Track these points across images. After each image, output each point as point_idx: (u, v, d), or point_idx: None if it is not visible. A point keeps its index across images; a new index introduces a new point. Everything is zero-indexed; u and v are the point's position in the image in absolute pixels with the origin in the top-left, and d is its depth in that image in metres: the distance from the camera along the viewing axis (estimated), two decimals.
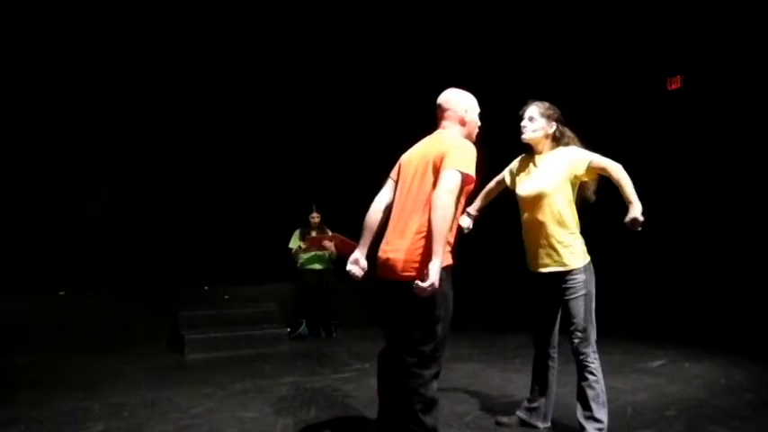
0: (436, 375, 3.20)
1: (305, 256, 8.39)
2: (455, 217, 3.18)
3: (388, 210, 3.52)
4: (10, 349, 6.74)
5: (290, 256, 8.46)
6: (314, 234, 8.39)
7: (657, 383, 5.33)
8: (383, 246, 3.36)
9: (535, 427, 4.09)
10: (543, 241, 3.83)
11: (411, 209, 3.26)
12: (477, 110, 3.54)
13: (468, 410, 4.58)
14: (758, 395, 4.88)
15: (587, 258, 3.81)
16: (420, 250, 3.15)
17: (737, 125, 7.70)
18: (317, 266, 8.39)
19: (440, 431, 3.23)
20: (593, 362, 3.72)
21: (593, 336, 3.75)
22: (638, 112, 8.56)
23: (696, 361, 6.14)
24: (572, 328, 3.77)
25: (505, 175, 4.21)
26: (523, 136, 3.96)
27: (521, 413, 4.16)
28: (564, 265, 3.78)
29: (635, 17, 8.04)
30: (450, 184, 3.06)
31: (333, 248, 8.29)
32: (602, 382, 3.73)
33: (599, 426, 3.68)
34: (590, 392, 3.70)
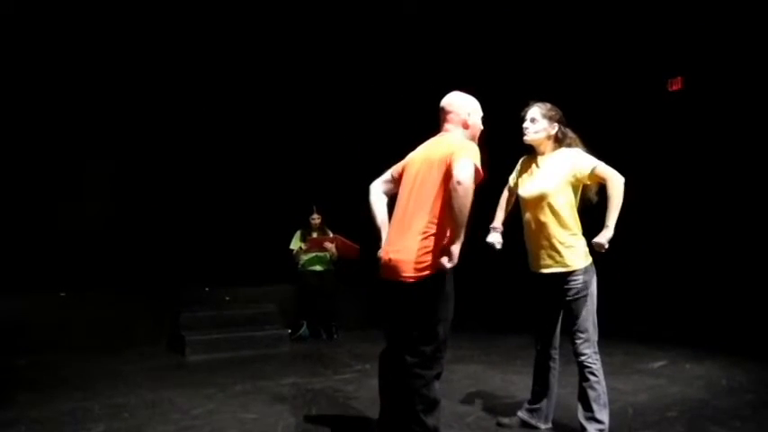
0: (438, 376, 3.21)
1: (306, 257, 8.39)
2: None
3: (387, 200, 3.55)
4: (10, 350, 6.73)
5: (291, 257, 8.45)
6: (315, 235, 8.38)
7: (658, 384, 5.33)
8: (385, 246, 3.37)
9: (536, 427, 4.08)
10: (545, 242, 3.83)
11: (414, 210, 3.27)
12: (481, 113, 3.55)
13: (470, 411, 4.58)
14: (759, 395, 4.89)
15: (589, 259, 3.81)
16: (423, 251, 3.16)
17: (738, 126, 7.70)
18: (318, 268, 8.39)
19: None
20: (595, 363, 3.72)
21: (594, 337, 3.75)
22: (638, 114, 8.56)
23: (697, 362, 6.14)
24: (573, 328, 3.77)
25: (511, 179, 4.20)
26: (525, 137, 3.96)
27: (522, 414, 4.16)
28: (565, 265, 3.78)
29: (635, 18, 8.03)
30: (467, 171, 3.06)
31: (334, 250, 8.29)
32: (603, 382, 3.73)
33: (600, 426, 3.68)
34: (591, 393, 3.70)
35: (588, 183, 3.83)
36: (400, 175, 3.53)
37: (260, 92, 9.51)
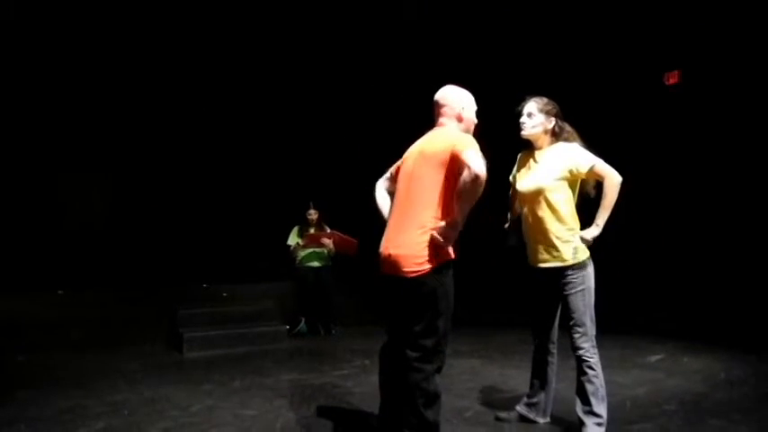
0: (438, 370, 3.22)
1: (303, 253, 8.38)
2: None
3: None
4: (9, 348, 6.73)
5: (289, 253, 8.45)
6: (312, 231, 8.38)
7: (656, 378, 5.34)
8: (384, 242, 3.37)
9: (535, 422, 4.09)
10: (542, 236, 3.83)
11: (412, 205, 3.28)
12: (475, 107, 3.55)
13: (468, 406, 4.58)
14: (757, 389, 4.90)
15: (587, 253, 3.81)
16: (422, 245, 3.17)
17: (736, 120, 7.70)
18: (316, 264, 8.38)
19: (440, 426, 3.23)
20: (593, 357, 3.73)
21: (592, 331, 3.76)
22: (635, 108, 8.56)
23: (695, 355, 6.15)
24: (571, 323, 3.77)
25: (512, 177, 4.19)
26: (523, 132, 3.96)
27: (520, 408, 4.17)
28: (563, 260, 3.78)
29: (632, 12, 8.03)
30: (481, 162, 3.07)
31: (331, 245, 8.28)
32: (601, 376, 3.74)
33: (598, 420, 3.68)
34: (589, 387, 3.70)
35: (585, 178, 3.83)
36: (397, 172, 3.54)
37: (257, 90, 9.50)
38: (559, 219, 3.79)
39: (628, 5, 8.00)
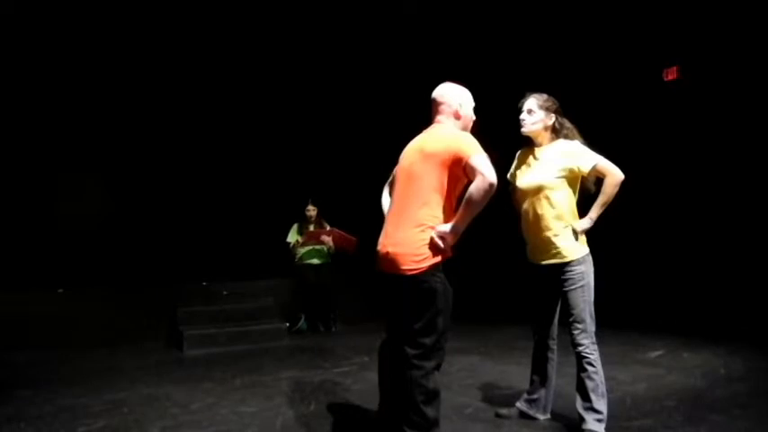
0: (438, 367, 3.22)
1: (303, 250, 8.39)
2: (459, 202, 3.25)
3: None
4: (9, 346, 6.74)
5: (289, 250, 8.45)
6: (312, 228, 8.38)
7: (656, 374, 5.34)
8: (382, 239, 3.37)
9: (535, 418, 4.09)
10: (542, 233, 3.83)
11: (410, 202, 3.27)
12: (472, 104, 3.55)
13: (468, 403, 4.58)
14: (757, 384, 4.90)
15: (586, 250, 3.81)
16: (421, 243, 3.17)
17: (734, 116, 7.69)
18: (316, 261, 8.39)
19: (440, 423, 3.23)
20: (593, 353, 3.73)
21: (591, 327, 3.76)
22: (634, 103, 8.55)
23: (695, 351, 6.15)
24: (571, 319, 3.77)
25: (510, 176, 4.18)
26: (523, 129, 3.96)
27: (521, 405, 4.17)
28: (562, 256, 3.78)
29: (631, 7, 8.02)
30: (491, 169, 3.10)
31: (330, 243, 8.29)
32: (601, 373, 3.74)
33: (598, 416, 3.69)
34: (589, 383, 3.70)
35: (586, 177, 3.83)
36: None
37: (255, 87, 9.49)
38: (559, 216, 3.79)
39: (627, 1, 7.98)
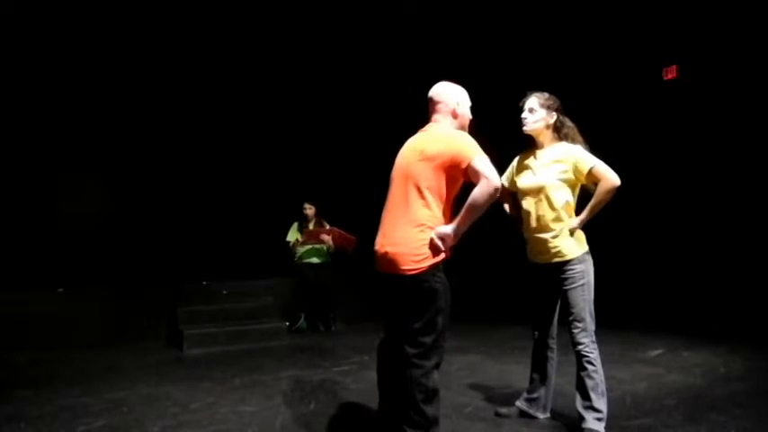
0: (437, 366, 3.22)
1: (302, 249, 8.39)
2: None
3: None
4: (9, 346, 6.74)
5: (288, 249, 8.45)
6: (311, 227, 8.37)
7: (656, 373, 5.34)
8: (379, 239, 3.36)
9: (535, 417, 4.10)
10: (542, 233, 3.84)
11: (408, 202, 3.26)
12: (469, 103, 3.54)
13: (468, 402, 4.58)
14: (757, 383, 4.90)
15: (585, 249, 3.82)
16: (420, 243, 3.17)
17: (734, 115, 7.69)
18: (315, 260, 8.39)
19: (439, 422, 3.23)
20: (592, 352, 3.73)
21: (591, 326, 3.76)
22: (633, 103, 8.55)
23: (695, 350, 6.16)
24: (571, 318, 3.77)
25: (505, 179, 4.17)
26: (525, 128, 3.97)
27: (520, 404, 4.17)
28: (562, 255, 3.79)
29: (630, 6, 8.02)
30: (493, 170, 3.12)
31: (330, 242, 8.28)
32: (601, 371, 3.74)
33: (598, 415, 3.69)
34: (589, 382, 3.71)
35: (585, 182, 3.84)
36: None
37: (254, 86, 9.49)
38: (559, 216, 3.80)
39: (626, 0, 7.99)
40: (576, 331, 3.75)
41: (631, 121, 8.46)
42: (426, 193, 3.23)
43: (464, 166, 3.16)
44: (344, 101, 9.74)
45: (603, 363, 3.80)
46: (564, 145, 3.91)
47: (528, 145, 4.07)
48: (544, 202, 3.83)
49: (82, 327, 7.33)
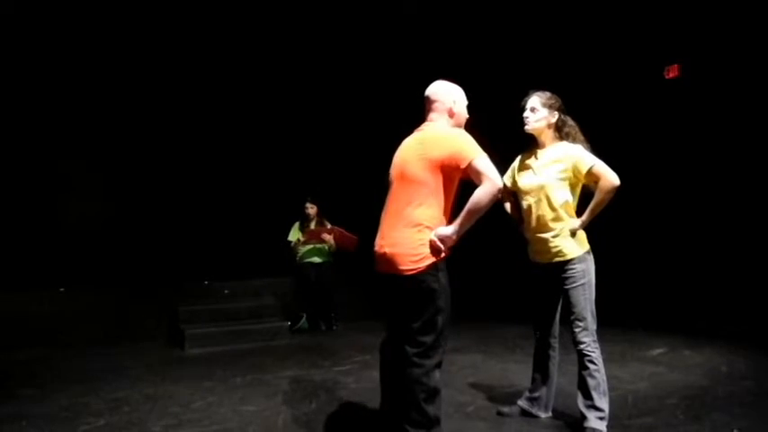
0: (439, 365, 3.22)
1: (304, 249, 8.38)
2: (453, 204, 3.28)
3: None
4: (10, 345, 6.76)
5: (290, 249, 8.45)
6: (313, 226, 8.37)
7: (658, 372, 5.34)
8: (378, 240, 3.36)
9: (536, 416, 4.09)
10: (542, 233, 3.84)
11: (406, 202, 3.26)
12: (465, 101, 3.54)
13: (470, 401, 4.58)
14: (759, 382, 4.89)
15: (586, 247, 3.82)
16: (419, 243, 3.17)
17: (735, 114, 7.69)
18: (317, 259, 8.38)
19: (441, 421, 3.23)
20: (594, 351, 3.73)
21: (593, 325, 3.75)
22: (635, 101, 8.55)
23: (696, 349, 6.15)
24: (572, 317, 3.77)
25: (506, 178, 4.17)
26: (526, 127, 3.97)
27: (522, 403, 4.17)
28: (563, 255, 3.79)
29: (632, 5, 8.01)
30: (494, 170, 3.12)
31: (332, 241, 8.28)
32: (602, 371, 3.73)
33: (600, 414, 3.68)
34: (591, 381, 3.70)
35: (585, 181, 3.84)
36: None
37: (255, 85, 9.49)
38: (560, 216, 3.80)
39: None
40: (577, 330, 3.75)
41: (633, 120, 8.47)
42: (425, 193, 3.22)
43: (464, 165, 3.15)
44: (345, 100, 9.75)
45: (605, 362, 3.79)
46: (565, 144, 3.90)
47: (529, 144, 4.07)
48: (544, 202, 3.83)
49: (83, 326, 7.35)
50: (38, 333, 7.08)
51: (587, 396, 3.71)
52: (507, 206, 4.26)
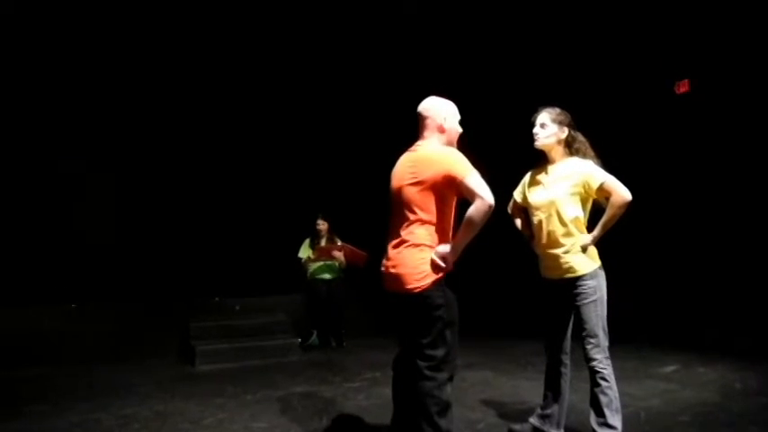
0: (450, 378, 3.24)
1: (314, 265, 8.39)
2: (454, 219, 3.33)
3: None
4: (20, 362, 6.78)
5: (300, 266, 8.46)
6: (323, 243, 8.39)
7: (671, 389, 5.30)
8: (384, 260, 3.43)
9: None
10: (553, 249, 3.83)
11: (404, 222, 3.32)
12: (458, 117, 3.55)
13: (481, 418, 4.56)
14: None
15: (598, 263, 3.80)
16: (420, 261, 3.22)
17: (746, 129, 7.66)
18: (327, 276, 8.39)
19: None
20: (606, 368, 3.70)
21: (605, 341, 3.73)
22: (645, 116, 8.54)
23: (710, 365, 6.10)
24: (584, 333, 3.75)
25: (517, 194, 4.19)
26: (536, 143, 3.97)
27: (534, 420, 4.14)
28: (574, 271, 3.77)
29: (642, 20, 8.03)
30: (486, 188, 3.13)
31: (342, 258, 8.29)
32: (615, 388, 3.71)
33: None
34: (603, 399, 3.68)
35: (595, 197, 3.83)
36: None
37: (267, 102, 9.54)
38: (570, 232, 3.79)
39: (638, 14, 7.99)
40: (589, 347, 3.73)
41: (643, 135, 8.44)
42: (422, 214, 3.27)
43: (457, 183, 3.18)
44: (356, 116, 9.78)
45: (617, 379, 3.76)
46: (575, 160, 3.90)
47: (540, 160, 4.07)
48: (554, 217, 3.83)
49: (94, 342, 7.37)
50: (48, 349, 7.10)
51: (600, 413, 3.69)
52: (518, 222, 4.26)
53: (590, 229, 3.85)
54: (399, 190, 3.36)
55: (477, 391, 5.36)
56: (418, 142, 3.49)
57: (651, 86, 8.53)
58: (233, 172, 9.44)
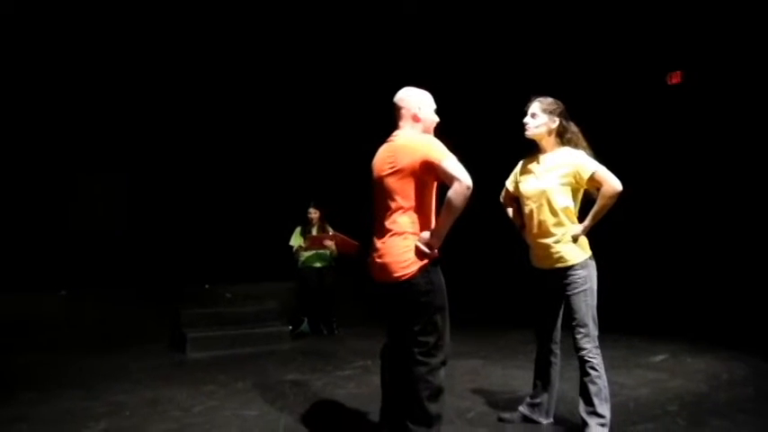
0: (444, 363, 3.26)
1: (306, 254, 8.38)
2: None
3: None
4: (11, 348, 6.75)
5: (291, 254, 8.45)
6: (314, 232, 8.37)
7: (659, 378, 5.33)
8: (371, 250, 3.44)
9: (538, 422, 4.08)
10: (544, 239, 3.84)
11: (387, 212, 3.33)
12: (433, 106, 3.55)
13: (471, 407, 4.57)
14: (760, 389, 4.88)
15: (588, 253, 3.81)
16: (405, 249, 3.23)
17: (738, 120, 7.69)
18: (318, 264, 8.38)
19: (442, 427, 3.23)
20: (595, 357, 3.72)
21: (594, 331, 3.75)
22: (637, 108, 8.55)
23: (698, 356, 6.14)
24: (573, 323, 3.77)
25: (509, 183, 4.20)
26: (527, 132, 3.97)
27: (523, 409, 4.16)
28: (565, 261, 3.78)
29: (635, 11, 8.02)
30: (464, 172, 3.12)
31: (333, 247, 8.28)
32: (604, 377, 3.73)
33: (601, 421, 3.68)
34: (592, 388, 3.70)
35: (586, 187, 3.84)
36: None
37: (257, 91, 9.51)
38: (561, 222, 3.79)
39: (630, 5, 7.99)
40: (578, 336, 3.75)
41: (635, 126, 8.46)
42: (403, 203, 3.27)
43: (434, 168, 3.18)
44: (347, 105, 9.75)
45: (606, 368, 3.79)
46: (566, 150, 3.90)
47: (532, 150, 4.07)
48: (545, 207, 3.83)
49: (84, 329, 7.35)
50: (39, 336, 7.08)
51: (589, 402, 3.71)
52: (510, 211, 4.27)
53: (581, 219, 3.86)
54: (380, 180, 3.37)
55: (466, 380, 5.38)
56: (395, 132, 3.49)
57: (643, 77, 8.55)
58: (225, 160, 9.42)
